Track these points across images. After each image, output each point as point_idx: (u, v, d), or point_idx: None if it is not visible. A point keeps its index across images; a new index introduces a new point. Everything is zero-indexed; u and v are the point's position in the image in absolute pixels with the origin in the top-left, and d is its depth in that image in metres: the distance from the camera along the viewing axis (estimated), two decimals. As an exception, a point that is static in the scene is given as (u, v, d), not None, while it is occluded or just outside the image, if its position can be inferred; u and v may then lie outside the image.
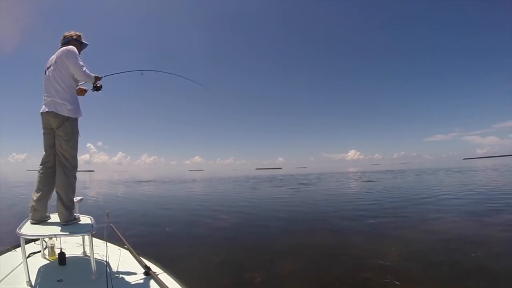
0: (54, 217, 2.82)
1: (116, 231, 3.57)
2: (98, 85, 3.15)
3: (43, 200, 2.78)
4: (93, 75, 2.99)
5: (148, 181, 31.46)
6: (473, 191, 12.60)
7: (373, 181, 22.13)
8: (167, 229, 6.72)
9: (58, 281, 2.40)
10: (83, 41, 3.14)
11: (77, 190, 2.93)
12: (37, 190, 2.81)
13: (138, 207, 10.95)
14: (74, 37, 3.06)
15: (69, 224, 2.69)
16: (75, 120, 2.89)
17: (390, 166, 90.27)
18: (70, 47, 2.89)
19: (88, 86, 3.22)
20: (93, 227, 2.63)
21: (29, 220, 2.74)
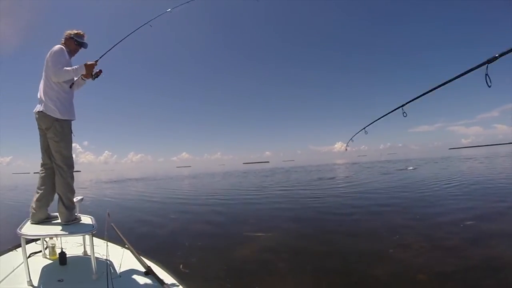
0: (56, 217, 2.82)
1: (117, 230, 3.55)
2: (93, 72, 3.00)
3: (42, 201, 2.77)
4: (74, 67, 2.83)
5: (155, 179, 30.82)
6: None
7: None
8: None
9: (59, 281, 2.40)
10: (78, 40, 3.06)
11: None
12: (37, 191, 2.81)
13: (137, 206, 10.81)
14: (71, 35, 3.02)
15: (70, 224, 2.68)
16: (66, 121, 2.82)
17: (378, 157, 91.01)
18: (56, 46, 2.84)
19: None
20: (93, 226, 2.63)
21: (29, 220, 2.74)
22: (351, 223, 6.28)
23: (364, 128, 3.36)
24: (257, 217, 7.31)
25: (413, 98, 2.36)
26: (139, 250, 3.20)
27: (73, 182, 2.86)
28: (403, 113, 2.43)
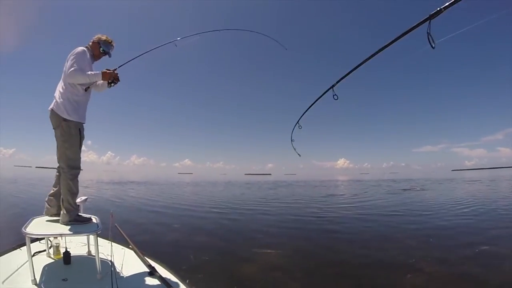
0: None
1: (121, 231, 3.56)
2: (110, 80, 3.03)
3: (55, 197, 2.85)
4: (91, 73, 2.83)
5: (157, 184, 30.72)
6: None
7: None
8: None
9: (63, 280, 2.40)
10: (105, 48, 3.07)
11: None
12: (52, 188, 2.90)
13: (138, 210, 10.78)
14: (95, 40, 3.04)
15: (74, 224, 2.69)
16: (74, 123, 2.80)
17: (380, 175, 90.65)
18: (79, 47, 2.87)
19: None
20: (98, 227, 2.64)
21: (41, 216, 2.82)
22: (363, 244, 5.99)
23: (297, 122, 3.34)
24: (264, 232, 7.03)
25: (343, 76, 2.24)
26: (142, 251, 3.20)
27: (75, 184, 2.83)
28: (333, 95, 2.32)
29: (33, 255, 2.68)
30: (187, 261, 4.55)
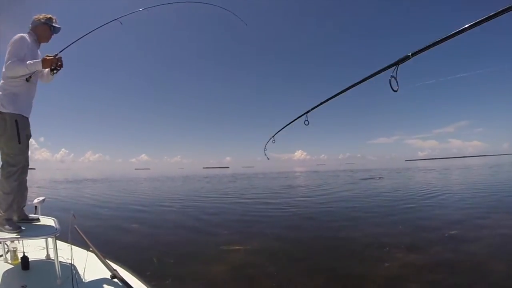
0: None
1: (81, 233, 3.48)
2: (52, 67, 2.75)
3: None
4: (30, 62, 2.59)
5: (114, 181, 29.43)
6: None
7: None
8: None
9: (22, 287, 2.36)
10: (54, 24, 2.87)
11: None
12: None
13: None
14: (43, 20, 2.82)
15: (31, 226, 2.64)
16: (11, 115, 2.60)
17: (337, 166, 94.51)
18: (17, 35, 2.64)
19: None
20: (56, 229, 2.61)
21: None
22: (334, 234, 6.15)
23: (272, 136, 3.39)
24: (229, 228, 6.94)
25: (316, 104, 2.20)
26: (104, 254, 3.19)
27: (9, 183, 2.61)
28: (305, 121, 2.23)
29: None
30: (151, 265, 4.40)
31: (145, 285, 2.66)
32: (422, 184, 17.06)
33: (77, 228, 3.64)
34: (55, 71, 2.83)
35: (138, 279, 2.75)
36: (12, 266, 2.73)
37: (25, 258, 2.67)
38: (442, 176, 23.50)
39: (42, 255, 2.99)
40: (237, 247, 5.27)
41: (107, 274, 2.75)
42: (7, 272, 2.60)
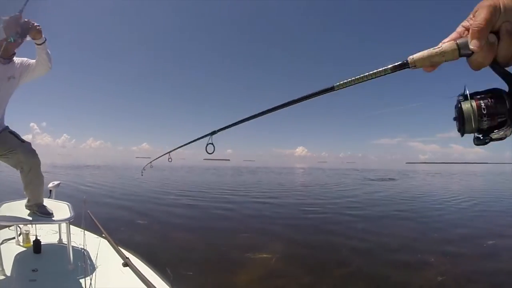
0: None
1: (94, 219, 3.45)
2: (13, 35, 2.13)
3: None
4: None
5: (114, 168, 29.84)
6: None
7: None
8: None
9: (33, 270, 2.31)
10: None
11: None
12: None
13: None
14: None
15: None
16: None
17: (338, 165, 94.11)
18: None
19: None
20: (70, 214, 2.56)
21: (10, 201, 2.66)
22: (364, 238, 5.76)
23: (169, 152, 2.74)
24: (249, 228, 6.41)
25: (224, 126, 1.65)
26: (117, 240, 3.14)
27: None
28: (208, 144, 1.41)
29: (1, 243, 2.56)
30: (170, 264, 4.01)
31: (158, 274, 2.60)
32: (445, 189, 16.71)
33: (90, 214, 3.61)
34: (20, 36, 2.20)
35: (151, 268, 2.69)
36: (24, 249, 2.70)
37: (37, 242, 2.62)
38: (459, 181, 23.19)
39: (54, 239, 2.95)
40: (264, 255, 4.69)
41: (119, 262, 2.69)
42: (18, 255, 2.56)
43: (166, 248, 4.99)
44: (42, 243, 2.66)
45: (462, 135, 0.51)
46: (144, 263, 2.76)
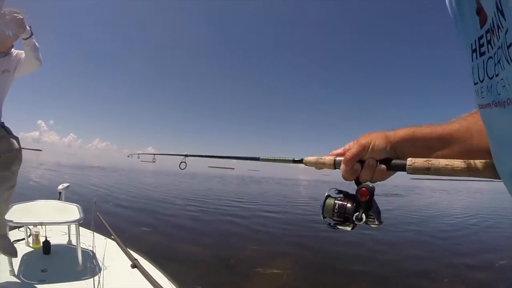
0: (40, 204, 2.74)
1: (103, 220, 3.46)
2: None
3: None
4: None
5: (116, 171, 29.69)
6: None
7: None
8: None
9: (43, 271, 2.32)
10: None
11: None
12: None
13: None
14: None
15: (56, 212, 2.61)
16: None
17: (339, 178, 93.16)
18: None
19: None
20: (80, 216, 2.57)
21: (20, 202, 2.67)
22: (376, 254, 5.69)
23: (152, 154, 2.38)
24: (258, 241, 6.24)
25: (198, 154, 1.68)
26: (125, 242, 3.14)
27: None
28: (181, 162, 1.46)
29: None
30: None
31: (166, 276, 2.59)
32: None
33: (99, 216, 3.62)
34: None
35: (159, 270, 2.68)
36: (34, 250, 2.71)
37: (46, 243, 2.64)
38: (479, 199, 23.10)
39: (63, 240, 2.96)
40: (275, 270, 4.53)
41: (128, 263, 2.70)
42: (28, 256, 2.57)
43: (173, 258, 4.72)
44: (51, 244, 2.67)
45: (322, 217, 0.70)
46: (153, 265, 2.76)
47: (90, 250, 2.69)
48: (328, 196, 0.71)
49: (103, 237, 3.26)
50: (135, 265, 2.67)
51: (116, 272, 2.54)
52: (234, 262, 4.82)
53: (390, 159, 0.65)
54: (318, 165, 0.76)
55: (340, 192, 0.70)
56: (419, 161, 0.62)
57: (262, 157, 0.98)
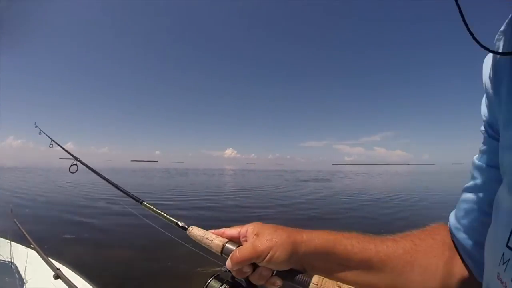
0: None
1: (21, 228, 3.28)
2: None
3: None
4: None
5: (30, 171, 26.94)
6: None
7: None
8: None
9: None
10: None
11: None
12: None
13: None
14: None
15: None
16: None
17: (267, 166, 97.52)
18: None
19: None
20: None
21: None
22: None
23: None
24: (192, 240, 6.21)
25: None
26: (46, 251, 3.06)
27: None
28: (72, 165, 1.51)
29: None
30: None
31: (90, 284, 2.62)
32: (386, 187, 19.02)
33: (17, 223, 3.43)
34: None
35: (83, 279, 2.69)
36: None
37: (-40, 256, 2.49)
38: (391, 179, 26.34)
39: None
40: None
41: (50, 274, 2.66)
42: None
43: (99, 266, 4.60)
44: None
45: None
46: (77, 274, 2.75)
47: (8, 262, 2.61)
48: (218, 274, 0.60)
49: (22, 246, 3.12)
50: (58, 275, 2.64)
51: (38, 283, 2.50)
52: (171, 264, 4.80)
53: (292, 271, 0.55)
54: (203, 241, 0.64)
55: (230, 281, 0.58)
56: (328, 285, 0.51)
57: (145, 203, 0.89)
